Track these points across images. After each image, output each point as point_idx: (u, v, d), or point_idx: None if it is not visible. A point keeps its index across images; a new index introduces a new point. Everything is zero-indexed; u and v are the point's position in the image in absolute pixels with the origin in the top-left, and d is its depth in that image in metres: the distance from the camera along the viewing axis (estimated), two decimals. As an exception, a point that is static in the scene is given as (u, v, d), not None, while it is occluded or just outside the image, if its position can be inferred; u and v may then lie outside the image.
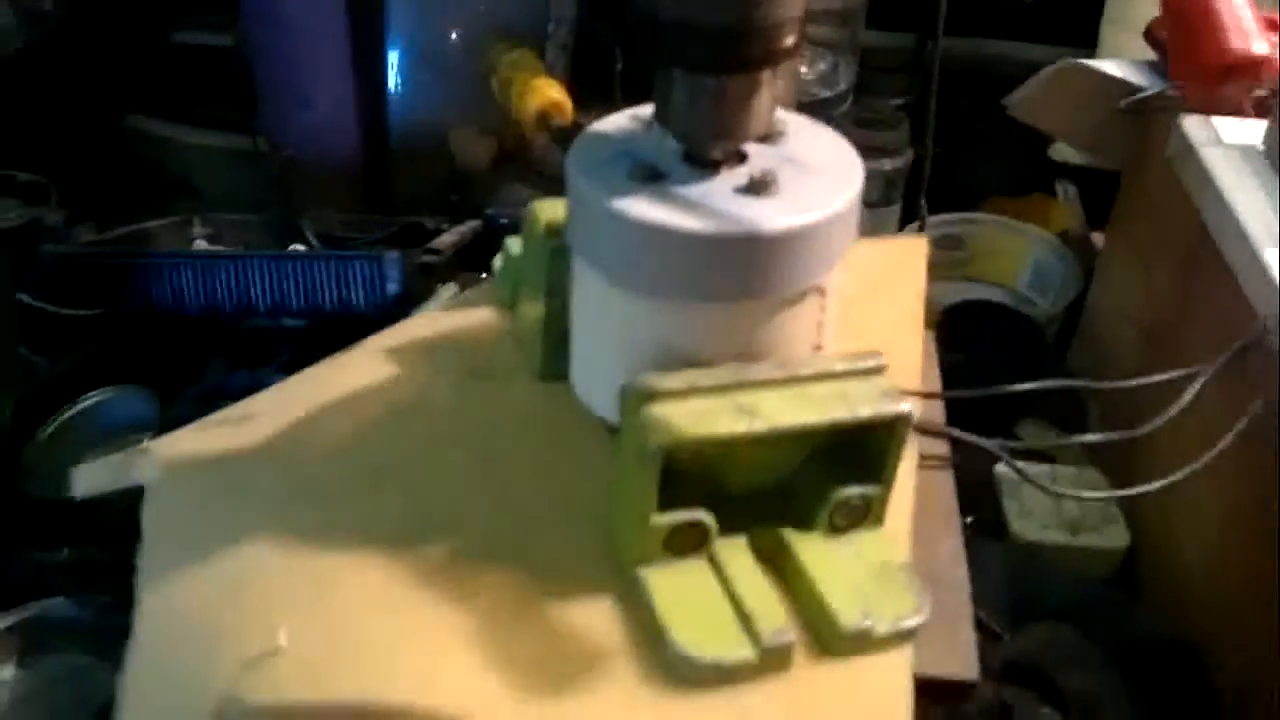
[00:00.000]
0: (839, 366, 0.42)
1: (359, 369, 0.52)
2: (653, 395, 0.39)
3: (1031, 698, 0.59)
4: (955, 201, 1.06)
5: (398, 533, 0.43)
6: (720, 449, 0.40)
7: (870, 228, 0.71)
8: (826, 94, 1.01)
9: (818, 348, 0.44)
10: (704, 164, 0.41)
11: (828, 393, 0.41)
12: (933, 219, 1.03)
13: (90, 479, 0.50)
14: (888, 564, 0.42)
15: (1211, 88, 0.39)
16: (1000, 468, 0.81)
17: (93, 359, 0.83)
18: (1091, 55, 0.92)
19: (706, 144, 0.41)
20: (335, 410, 0.50)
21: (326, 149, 0.99)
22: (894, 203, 0.99)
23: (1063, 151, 1.07)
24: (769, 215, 0.39)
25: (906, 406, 0.41)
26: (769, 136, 0.43)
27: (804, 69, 1.03)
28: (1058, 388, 0.69)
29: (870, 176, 0.96)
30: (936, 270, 1.04)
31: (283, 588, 0.42)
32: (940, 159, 1.16)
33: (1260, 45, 0.37)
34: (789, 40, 0.38)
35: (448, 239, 0.87)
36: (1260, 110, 0.57)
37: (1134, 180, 0.85)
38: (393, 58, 1.03)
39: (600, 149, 0.43)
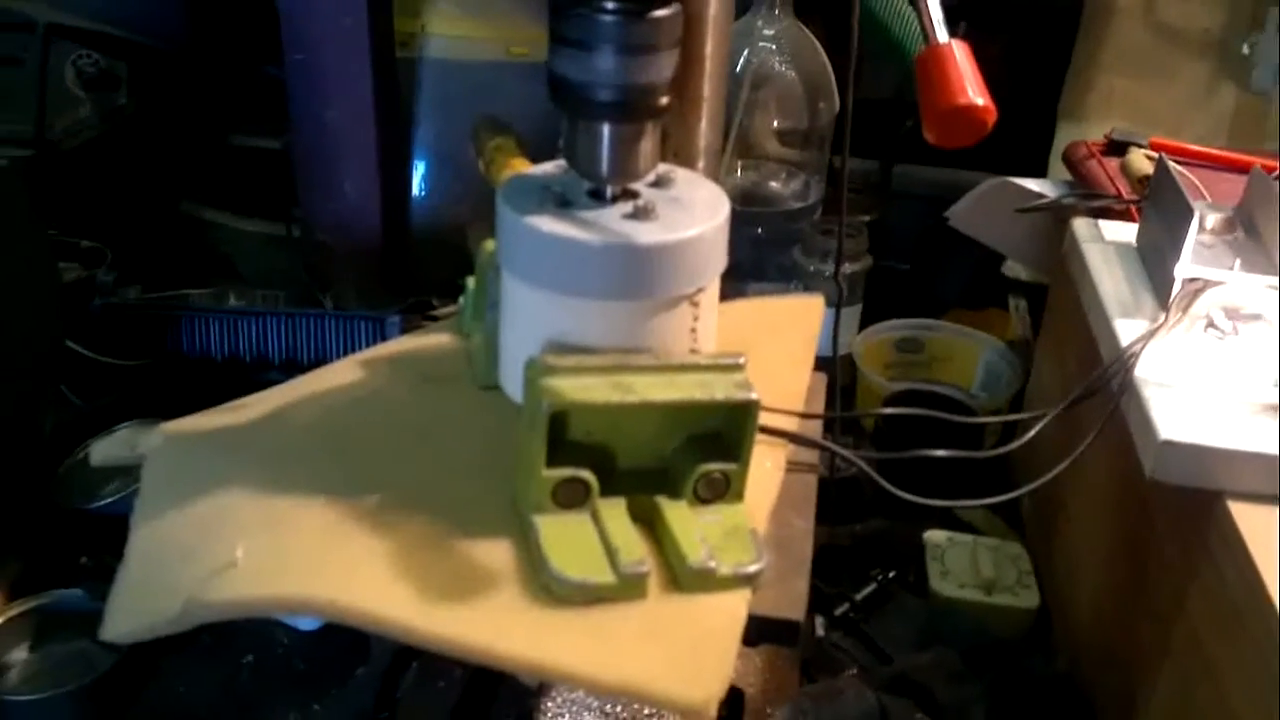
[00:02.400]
0: (704, 361, 0.52)
1: (335, 374, 0.63)
2: (547, 369, 0.49)
3: (908, 704, 0.66)
4: (919, 312, 1.16)
5: (342, 486, 0.53)
6: (602, 420, 0.50)
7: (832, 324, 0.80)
8: (799, 205, 1.13)
9: (694, 351, 0.54)
10: (602, 197, 0.52)
11: (692, 380, 0.51)
12: (895, 323, 1.14)
13: (107, 451, 0.60)
14: (739, 526, 0.51)
15: (944, 126, 0.49)
16: (928, 534, 0.89)
17: (127, 398, 0.95)
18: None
19: (602, 180, 0.52)
20: (309, 401, 0.60)
21: (352, 236, 1.12)
22: (857, 302, 1.10)
23: (1014, 268, 1.17)
24: (644, 233, 0.50)
25: (754, 395, 0.50)
26: (659, 182, 0.54)
27: (779, 185, 1.15)
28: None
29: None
30: (897, 370, 1.15)
31: (244, 521, 0.51)
32: (907, 274, 1.27)
33: (978, 98, 0.47)
34: (663, 100, 0.50)
35: (448, 310, 0.98)
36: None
37: (1055, 284, 0.95)
38: (419, 165, 1.18)
39: (525, 184, 0.54)
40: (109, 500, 0.84)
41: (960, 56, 0.49)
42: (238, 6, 1.22)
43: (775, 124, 1.10)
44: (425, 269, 1.17)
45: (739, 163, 1.12)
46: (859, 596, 0.82)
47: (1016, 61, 0.92)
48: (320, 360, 0.95)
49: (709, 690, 0.44)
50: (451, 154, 1.17)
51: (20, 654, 0.77)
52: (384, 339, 0.94)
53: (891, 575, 0.85)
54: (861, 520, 0.92)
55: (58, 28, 1.08)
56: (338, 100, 1.07)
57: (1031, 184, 0.93)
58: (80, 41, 1.10)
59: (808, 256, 1.08)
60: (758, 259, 1.11)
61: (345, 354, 0.94)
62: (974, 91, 0.48)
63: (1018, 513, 0.96)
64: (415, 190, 1.18)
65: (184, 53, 1.19)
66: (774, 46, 1.07)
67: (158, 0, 1.20)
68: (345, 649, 0.77)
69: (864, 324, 1.12)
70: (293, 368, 0.95)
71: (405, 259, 1.16)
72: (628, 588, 0.48)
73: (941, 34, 0.50)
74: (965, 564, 0.85)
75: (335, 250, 1.12)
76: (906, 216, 1.24)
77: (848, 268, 1.11)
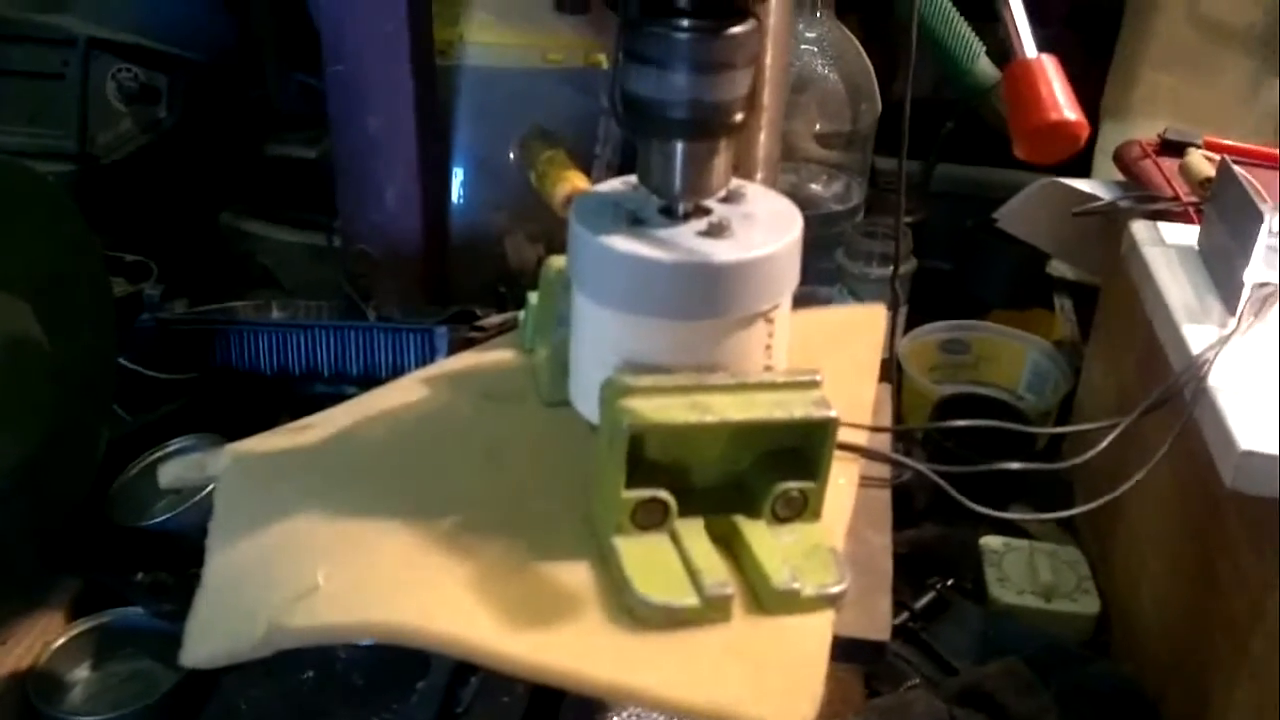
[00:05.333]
0: (781, 379, 0.51)
1: (398, 392, 0.63)
2: (626, 390, 0.49)
3: (981, 717, 0.66)
4: (962, 312, 1.15)
5: (417, 507, 0.53)
6: (679, 439, 0.50)
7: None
8: (840, 208, 1.12)
9: (768, 368, 0.53)
10: (675, 215, 0.52)
11: (769, 398, 0.50)
12: (940, 324, 1.13)
13: (174, 473, 0.60)
14: (819, 545, 0.51)
15: (1035, 143, 0.49)
16: (984, 539, 0.89)
17: (178, 413, 0.95)
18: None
19: (675, 198, 0.51)
20: (375, 421, 0.60)
21: (393, 246, 1.12)
22: (902, 304, 1.09)
23: (1059, 268, 1.16)
24: (720, 251, 0.50)
25: (833, 412, 0.50)
26: (730, 197, 0.53)
27: (820, 187, 1.14)
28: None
29: (879, 281, 1.06)
30: (943, 372, 1.14)
31: (322, 544, 0.51)
32: (949, 274, 1.26)
33: (1071, 113, 0.47)
34: (738, 116, 0.49)
35: (493, 320, 0.98)
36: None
37: (1108, 286, 0.94)
38: (457, 172, 1.17)
39: (596, 202, 0.54)
40: (162, 518, 0.84)
41: (1050, 71, 0.48)
42: (275, 17, 1.22)
43: (817, 126, 1.09)
44: (463, 276, 1.17)
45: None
46: (918, 605, 0.81)
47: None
48: (369, 372, 0.95)
49: (802, 714, 0.44)
50: (489, 161, 1.16)
51: (82, 673, 0.78)
52: (433, 350, 0.93)
53: (949, 583, 0.84)
54: (915, 526, 0.91)
55: (98, 42, 1.08)
56: (378, 109, 1.06)
57: (1082, 184, 0.92)
58: (120, 55, 1.10)
59: (851, 260, 1.08)
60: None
61: (394, 366, 0.95)
62: (1066, 107, 0.47)
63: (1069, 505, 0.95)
64: (454, 198, 1.17)
65: (222, 64, 1.19)
66: (816, 49, 1.07)
67: (196, 13, 1.20)
68: (404, 663, 0.77)
69: (908, 326, 1.11)
70: (341, 380, 0.95)
71: (445, 267, 1.16)
72: (712, 610, 0.47)
73: (1030, 49, 0.49)
74: (1023, 570, 0.85)
75: (376, 259, 1.12)
76: (947, 216, 1.23)
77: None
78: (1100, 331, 0.96)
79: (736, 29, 0.48)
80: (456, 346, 0.93)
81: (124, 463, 0.89)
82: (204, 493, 0.82)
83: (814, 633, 0.48)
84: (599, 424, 0.50)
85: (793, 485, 0.51)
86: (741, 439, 0.51)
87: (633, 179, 0.55)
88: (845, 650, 0.49)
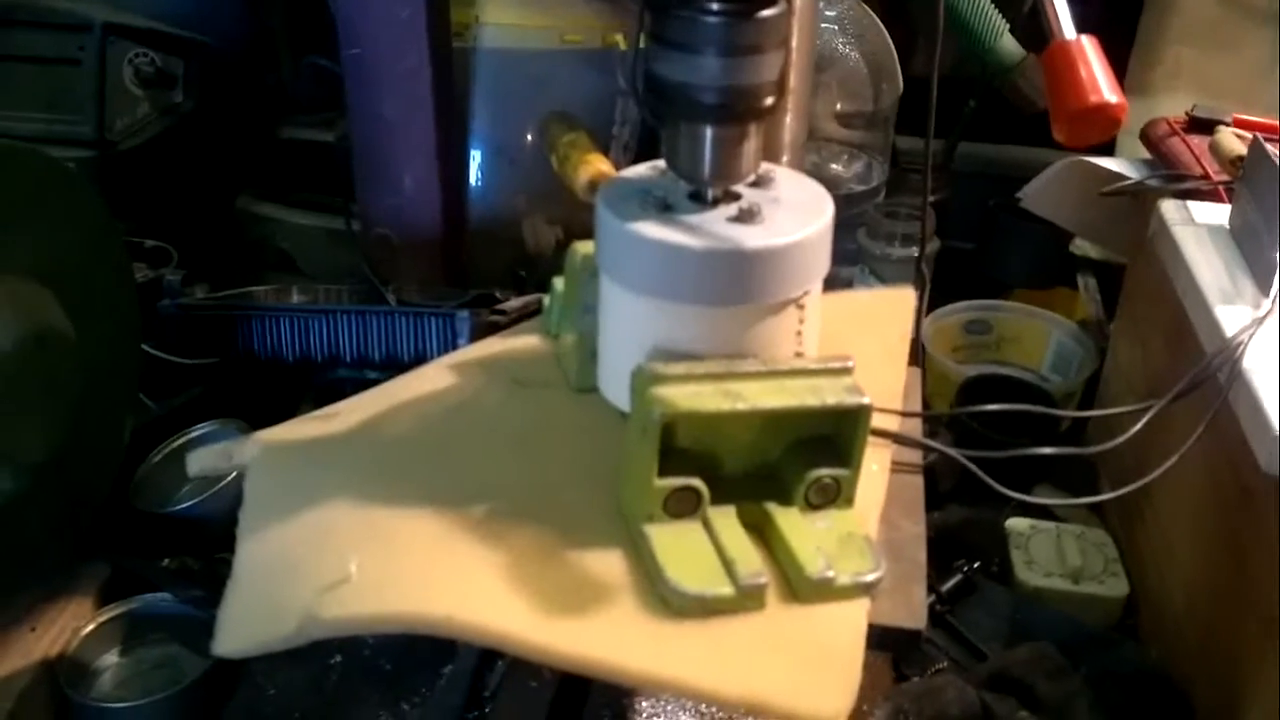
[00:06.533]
0: (813, 365, 0.51)
1: (426, 379, 0.63)
2: (657, 378, 0.48)
3: (1011, 702, 0.66)
4: (984, 292, 1.14)
5: (447, 496, 0.52)
6: (711, 427, 0.49)
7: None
8: (861, 189, 1.11)
9: (799, 354, 0.53)
10: (704, 200, 0.51)
11: (801, 385, 0.50)
12: (962, 304, 1.12)
13: (203, 461, 0.60)
14: (853, 533, 0.50)
15: (1075, 126, 0.48)
16: (1010, 521, 0.88)
17: (201, 399, 0.95)
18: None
19: (705, 183, 0.51)
20: (404, 408, 0.60)
21: (412, 229, 1.12)
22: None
23: (1082, 246, 1.15)
24: (751, 237, 0.49)
25: (866, 399, 0.50)
26: (759, 182, 0.53)
27: (841, 168, 1.13)
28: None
29: (901, 261, 1.06)
30: (966, 352, 1.13)
31: (353, 534, 0.51)
32: (971, 253, 1.25)
33: (1112, 95, 0.46)
34: (768, 100, 0.49)
35: (514, 303, 0.98)
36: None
37: (1135, 266, 0.93)
38: (475, 155, 1.17)
39: (624, 188, 0.53)
40: (187, 503, 0.84)
41: (1090, 52, 0.48)
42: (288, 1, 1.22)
43: (838, 106, 1.09)
44: (482, 260, 1.16)
45: (799, 146, 1.11)
46: (945, 588, 0.81)
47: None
48: (392, 358, 0.95)
49: (838, 703, 0.44)
50: (507, 143, 1.16)
51: (111, 659, 0.78)
52: (454, 334, 0.93)
53: (976, 565, 0.84)
54: (939, 509, 0.91)
55: (114, 27, 1.08)
56: (395, 93, 1.06)
57: (1108, 163, 0.91)
58: (136, 40, 1.10)
59: (873, 240, 1.07)
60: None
61: (417, 350, 0.95)
62: (1107, 89, 0.46)
63: (1094, 488, 0.94)
64: (472, 181, 1.17)
65: (237, 49, 1.19)
66: (836, 28, 1.06)
67: (212, -3, 1.19)
68: (431, 648, 0.77)
69: (930, 307, 1.10)
70: (364, 365, 0.95)
71: (464, 250, 1.16)
72: (746, 599, 0.47)
73: (1069, 29, 0.48)
74: (1050, 552, 0.84)
75: (396, 243, 1.12)
76: (969, 196, 1.22)
77: (915, 250, 1.10)
78: (1126, 311, 0.95)
79: (767, 11, 0.47)
80: (478, 330, 0.92)
81: (148, 449, 0.89)
82: (229, 478, 0.82)
83: (849, 621, 0.48)
84: (630, 412, 0.50)
85: (825, 472, 0.51)
86: (774, 426, 0.51)
87: (660, 164, 0.54)
88: (879, 638, 0.49)
